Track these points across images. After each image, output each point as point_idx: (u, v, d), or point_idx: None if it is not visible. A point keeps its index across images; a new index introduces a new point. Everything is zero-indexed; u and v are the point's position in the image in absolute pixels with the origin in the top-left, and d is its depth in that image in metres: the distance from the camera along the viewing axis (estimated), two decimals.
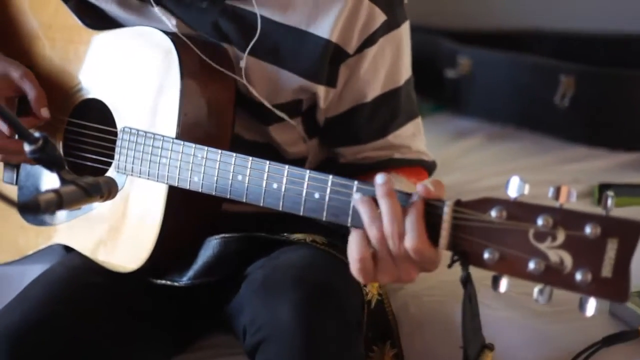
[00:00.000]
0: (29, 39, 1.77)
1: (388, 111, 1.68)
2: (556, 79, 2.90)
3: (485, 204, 1.15)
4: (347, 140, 1.70)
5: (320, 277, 1.47)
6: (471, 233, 1.15)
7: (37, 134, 1.23)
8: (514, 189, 1.13)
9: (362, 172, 1.65)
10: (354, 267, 1.23)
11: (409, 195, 1.21)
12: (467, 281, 1.20)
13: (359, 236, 1.22)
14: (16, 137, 1.63)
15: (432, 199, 1.18)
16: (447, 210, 1.16)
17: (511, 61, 3.09)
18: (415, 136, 1.71)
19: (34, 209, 1.16)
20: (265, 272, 1.51)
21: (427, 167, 1.74)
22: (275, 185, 1.35)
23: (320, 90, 1.63)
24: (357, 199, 1.23)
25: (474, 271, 1.18)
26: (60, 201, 1.20)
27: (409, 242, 1.17)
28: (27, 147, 1.24)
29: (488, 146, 2.91)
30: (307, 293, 1.42)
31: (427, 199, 1.18)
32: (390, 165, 1.67)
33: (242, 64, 1.60)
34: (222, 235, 1.57)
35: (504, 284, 1.14)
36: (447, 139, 2.95)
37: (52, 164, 1.25)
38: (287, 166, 1.34)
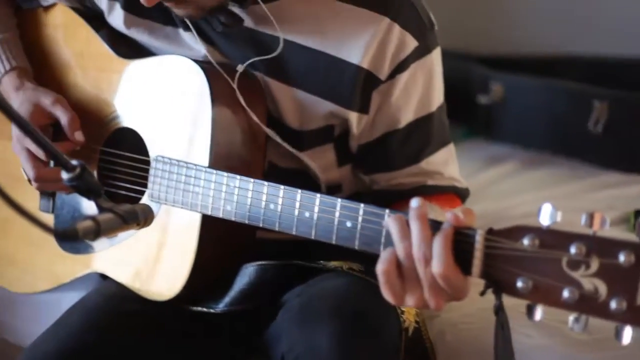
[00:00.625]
0: (62, 68, 1.79)
1: (420, 137, 1.68)
2: (589, 105, 2.89)
3: (518, 232, 1.14)
4: (379, 166, 1.70)
5: (358, 305, 1.47)
6: (504, 261, 1.15)
7: (74, 162, 1.24)
8: (546, 216, 1.13)
9: (395, 199, 1.66)
10: (381, 282, 1.23)
11: (439, 223, 1.21)
12: (499, 309, 1.20)
13: (388, 252, 1.22)
14: (52, 164, 1.65)
15: (463, 227, 1.18)
16: (479, 239, 1.16)
17: (544, 87, 3.08)
18: (447, 163, 1.71)
19: (73, 236, 1.17)
20: (303, 300, 1.51)
21: (460, 194, 1.74)
22: (307, 214, 1.35)
23: (353, 116, 1.63)
24: (389, 217, 1.24)
25: (509, 299, 1.17)
26: (97, 229, 1.21)
27: (435, 268, 1.17)
28: (64, 175, 1.25)
29: (521, 173, 2.90)
30: (345, 322, 1.42)
31: (457, 226, 1.18)
32: (423, 192, 1.67)
33: (264, 84, 1.62)
34: (259, 262, 1.58)
35: (538, 312, 1.14)
36: (480, 165, 2.94)
37: (89, 192, 1.26)
38: (318, 195, 1.35)
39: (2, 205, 1.10)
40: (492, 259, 1.16)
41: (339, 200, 1.31)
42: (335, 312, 1.43)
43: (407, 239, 1.20)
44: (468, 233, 1.18)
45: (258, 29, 1.61)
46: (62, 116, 1.67)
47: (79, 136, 1.67)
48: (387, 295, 1.23)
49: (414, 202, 1.21)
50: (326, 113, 1.63)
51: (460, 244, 1.18)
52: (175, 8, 1.51)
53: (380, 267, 1.22)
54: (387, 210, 1.26)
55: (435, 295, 1.20)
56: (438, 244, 1.17)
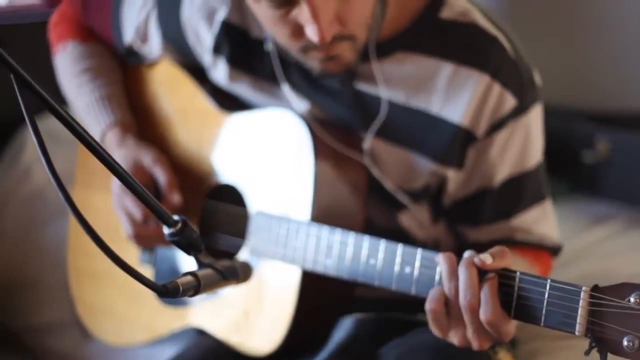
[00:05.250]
0: (165, 123, 1.83)
1: (514, 195, 1.65)
2: None
3: (624, 289, 1.12)
4: (468, 220, 1.68)
5: (457, 358, 1.46)
6: (609, 319, 1.13)
7: (176, 217, 1.26)
8: None
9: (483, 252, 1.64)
10: (429, 319, 1.30)
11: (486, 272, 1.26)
12: None
13: (436, 290, 1.29)
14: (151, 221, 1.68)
15: (504, 271, 1.24)
16: (583, 296, 1.16)
17: None
18: (539, 221, 1.68)
19: (174, 292, 1.19)
20: (401, 351, 1.50)
21: (549, 250, 1.70)
22: (407, 270, 1.35)
23: (450, 173, 1.63)
24: (440, 255, 1.30)
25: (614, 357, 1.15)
26: (198, 285, 1.22)
27: (483, 315, 1.24)
28: (165, 230, 1.27)
29: (628, 232, 2.82)
30: None
31: (492, 269, 1.25)
32: (509, 245, 1.65)
33: (367, 145, 1.62)
34: (357, 315, 1.57)
35: None
36: (584, 223, 2.88)
37: (190, 247, 1.27)
38: (419, 249, 1.34)
39: (102, 257, 1.13)
40: (597, 317, 1.15)
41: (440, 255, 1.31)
42: None
43: (455, 279, 1.27)
44: (508, 275, 1.24)
45: (360, 87, 1.62)
46: (161, 177, 1.71)
47: (175, 198, 1.70)
48: (434, 331, 1.31)
49: (466, 253, 1.28)
50: (427, 172, 1.62)
51: (502, 287, 1.24)
52: (319, 62, 1.53)
53: (428, 306, 1.29)
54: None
55: (479, 338, 1.28)
56: (485, 292, 1.24)
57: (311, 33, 1.42)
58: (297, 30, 1.45)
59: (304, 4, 1.40)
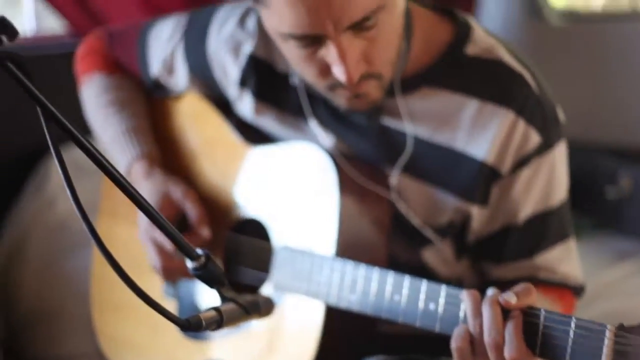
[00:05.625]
0: (190, 156, 1.84)
1: (538, 232, 1.64)
2: None
3: None
4: (492, 258, 1.67)
5: None
6: (635, 358, 1.12)
7: (199, 251, 1.26)
8: None
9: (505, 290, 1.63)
10: (454, 355, 1.30)
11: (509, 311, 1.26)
12: None
13: (461, 329, 1.30)
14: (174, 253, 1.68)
15: (528, 309, 1.25)
16: (609, 335, 1.15)
17: None
18: (563, 259, 1.67)
19: (197, 327, 1.19)
20: None
21: (572, 289, 1.69)
22: (432, 306, 1.34)
23: (475, 210, 1.62)
24: (464, 292, 1.31)
25: None
26: (220, 320, 1.22)
27: (507, 353, 1.24)
28: (189, 264, 1.27)
29: None
30: None
31: (525, 310, 1.25)
32: (532, 283, 1.64)
33: (394, 181, 1.62)
34: (380, 357, 1.57)
35: None
36: (608, 260, 2.86)
37: (213, 281, 1.27)
38: (444, 286, 1.34)
39: (125, 288, 1.13)
40: (623, 356, 1.14)
41: (465, 291, 1.31)
42: None
43: (480, 317, 1.28)
44: (533, 312, 1.25)
45: (385, 122, 1.62)
46: (191, 211, 1.71)
47: (205, 232, 1.70)
48: None
49: (490, 290, 1.29)
50: (451, 208, 1.62)
51: (527, 325, 1.24)
52: (346, 99, 1.54)
53: (454, 344, 1.30)
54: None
55: None
56: (509, 330, 1.24)
57: (338, 73, 1.43)
58: (325, 69, 1.46)
59: (331, 44, 1.41)
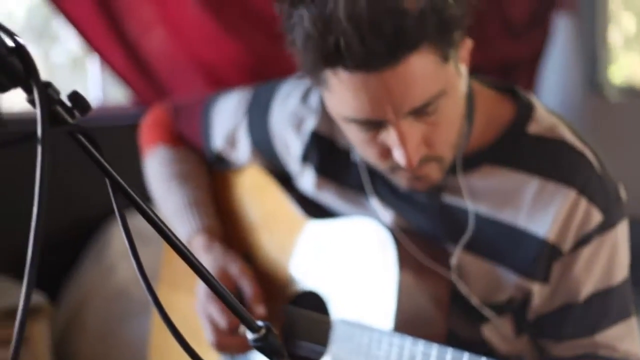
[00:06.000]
0: (250, 229, 1.85)
1: (599, 310, 1.62)
2: None
3: None
4: (552, 336, 1.65)
5: None
6: None
7: (260, 323, 1.27)
8: None
9: None
10: None
11: None
12: None
13: None
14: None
15: None
16: None
17: None
18: (624, 338, 1.64)
19: None
20: None
21: None
22: None
23: (535, 288, 1.61)
24: None
25: None
26: None
27: None
28: (249, 335, 1.27)
29: None
30: None
31: None
32: None
33: (454, 260, 1.62)
34: None
35: None
36: None
37: (272, 354, 1.27)
38: None
39: (183, 357, 1.13)
40: None
41: None
42: None
43: None
44: None
45: (446, 200, 1.63)
46: (247, 289, 1.72)
47: (259, 310, 1.71)
48: None
49: None
50: (512, 286, 1.61)
51: None
52: (406, 180, 1.55)
53: None
54: None
55: None
56: None
57: (399, 157, 1.45)
58: (385, 152, 1.48)
59: (392, 128, 1.43)
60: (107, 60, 3.47)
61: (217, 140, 1.89)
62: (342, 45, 1.35)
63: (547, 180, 1.57)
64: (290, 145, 1.76)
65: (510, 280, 1.60)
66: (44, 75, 0.93)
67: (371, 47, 1.35)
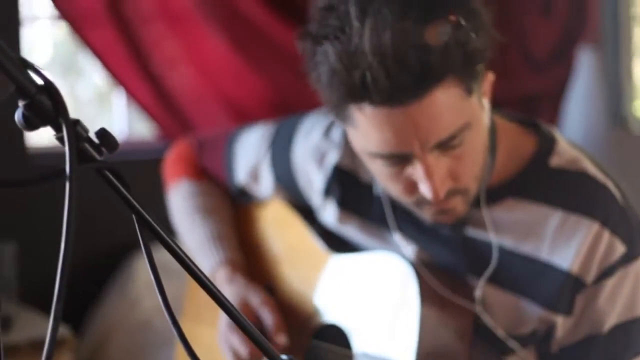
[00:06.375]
0: (272, 262, 1.86)
1: (623, 342, 1.62)
2: None
3: None
4: None
5: None
6: None
7: (284, 357, 1.27)
8: None
9: None
10: None
11: None
12: None
13: None
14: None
15: None
16: None
17: None
18: None
19: None
20: None
21: None
22: None
23: (559, 320, 1.61)
24: None
25: None
26: None
27: None
28: None
29: None
30: None
31: None
32: None
33: (478, 292, 1.62)
34: None
35: None
36: None
37: None
38: None
39: None
40: None
41: None
42: None
43: None
44: None
45: (469, 233, 1.64)
46: (268, 319, 1.73)
47: (281, 340, 1.71)
48: None
49: None
50: (536, 318, 1.61)
51: None
52: (431, 214, 1.56)
53: None
54: None
55: None
56: None
57: (425, 190, 1.46)
58: (411, 186, 1.49)
59: (418, 163, 1.44)
60: (132, 94, 3.51)
61: (241, 174, 1.90)
62: (368, 80, 1.36)
63: (569, 213, 1.57)
64: (313, 179, 1.78)
65: (533, 313, 1.60)
66: (70, 111, 0.95)
67: (397, 80, 1.36)
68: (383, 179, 1.54)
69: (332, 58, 1.39)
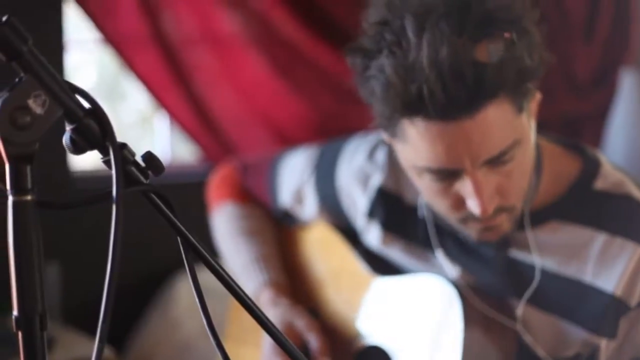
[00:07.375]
0: (316, 284, 1.86)
1: None
2: None
3: None
4: None
5: None
6: None
7: None
8: None
9: None
10: None
11: None
12: None
13: None
14: None
15: None
16: None
17: None
18: None
19: None
20: None
21: None
22: None
23: (603, 343, 1.59)
24: None
25: None
26: None
27: None
28: None
29: None
30: None
31: None
32: None
33: (519, 312, 1.61)
34: None
35: None
36: None
37: None
38: None
39: None
40: None
41: None
42: None
43: None
44: None
45: (513, 254, 1.63)
46: (313, 342, 1.73)
47: None
48: None
49: None
50: (579, 341, 1.60)
51: None
52: (477, 232, 1.56)
53: None
54: None
55: None
56: None
57: (473, 206, 1.46)
58: (459, 202, 1.49)
59: (467, 178, 1.44)
60: (175, 117, 3.54)
61: (285, 197, 1.91)
62: (425, 93, 1.37)
63: (613, 236, 1.56)
64: (357, 202, 1.78)
65: (577, 336, 1.59)
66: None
67: (453, 94, 1.37)
68: (430, 195, 1.54)
69: (389, 71, 1.40)
